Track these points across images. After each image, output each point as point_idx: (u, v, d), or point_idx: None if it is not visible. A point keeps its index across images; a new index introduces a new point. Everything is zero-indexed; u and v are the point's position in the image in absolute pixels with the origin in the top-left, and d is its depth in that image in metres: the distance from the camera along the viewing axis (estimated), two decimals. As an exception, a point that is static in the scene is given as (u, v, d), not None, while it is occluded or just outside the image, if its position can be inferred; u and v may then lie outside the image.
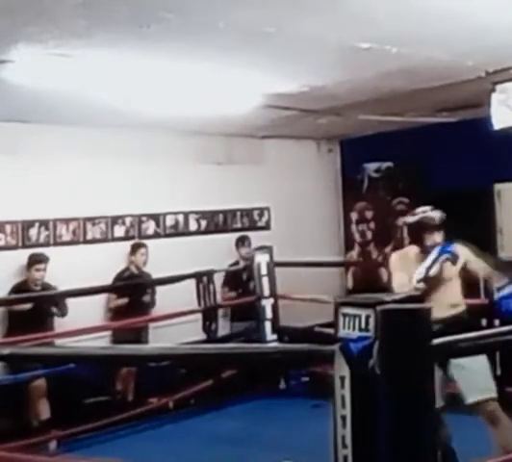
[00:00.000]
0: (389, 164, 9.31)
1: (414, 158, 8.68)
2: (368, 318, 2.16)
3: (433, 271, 4.61)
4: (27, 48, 4.37)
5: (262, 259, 7.48)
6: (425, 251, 4.73)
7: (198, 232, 8.26)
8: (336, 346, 2.19)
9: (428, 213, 4.80)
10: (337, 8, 3.98)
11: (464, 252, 4.77)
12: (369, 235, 9.61)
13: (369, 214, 9.58)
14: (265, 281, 7.46)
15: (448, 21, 4.25)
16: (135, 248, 7.47)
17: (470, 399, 4.46)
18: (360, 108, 6.75)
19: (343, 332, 2.22)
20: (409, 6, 3.99)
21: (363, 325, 2.17)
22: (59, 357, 3.05)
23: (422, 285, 4.55)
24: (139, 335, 7.13)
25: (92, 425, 6.12)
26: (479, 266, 4.82)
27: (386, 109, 6.90)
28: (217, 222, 8.49)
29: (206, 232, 8.31)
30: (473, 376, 4.47)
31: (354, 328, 2.19)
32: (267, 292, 7.47)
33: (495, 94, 5.67)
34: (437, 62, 5.16)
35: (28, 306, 6.42)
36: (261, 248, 7.62)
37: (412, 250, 4.86)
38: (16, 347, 4.50)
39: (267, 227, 8.88)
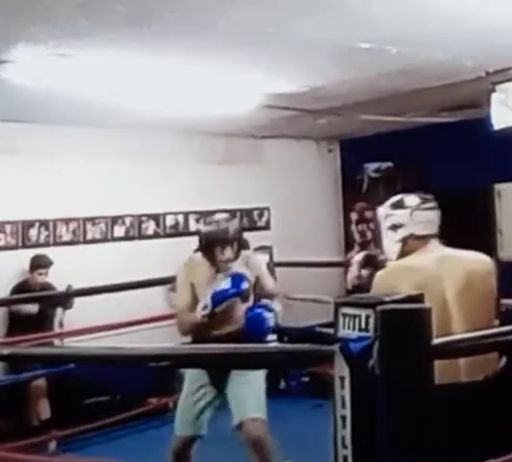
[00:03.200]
0: (389, 164, 9.30)
1: (414, 158, 8.68)
2: (368, 318, 2.16)
3: (219, 308, 4.08)
4: (27, 48, 4.36)
5: (262, 259, 7.46)
6: (216, 267, 4.15)
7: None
8: (336, 346, 2.19)
9: (222, 223, 4.15)
10: (337, 8, 3.98)
11: (257, 265, 4.36)
12: (369, 235, 9.59)
13: (369, 214, 9.56)
14: (264, 281, 7.44)
15: (449, 22, 4.25)
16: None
17: (236, 420, 4.04)
18: (360, 108, 6.75)
19: (342, 332, 2.22)
20: (409, 6, 3.99)
21: (363, 325, 2.17)
22: (59, 357, 3.05)
23: (206, 319, 4.07)
24: None
25: (92, 425, 6.12)
26: (267, 282, 4.44)
27: (386, 109, 6.90)
28: (217, 222, 8.48)
29: (206, 232, 8.30)
30: (246, 394, 4.04)
31: (354, 328, 2.19)
32: (266, 292, 7.45)
33: (495, 94, 5.67)
34: (437, 62, 5.16)
35: (31, 308, 6.42)
36: (261, 248, 7.61)
37: (201, 261, 4.22)
38: (16, 347, 4.50)
39: (267, 227, 8.88)
